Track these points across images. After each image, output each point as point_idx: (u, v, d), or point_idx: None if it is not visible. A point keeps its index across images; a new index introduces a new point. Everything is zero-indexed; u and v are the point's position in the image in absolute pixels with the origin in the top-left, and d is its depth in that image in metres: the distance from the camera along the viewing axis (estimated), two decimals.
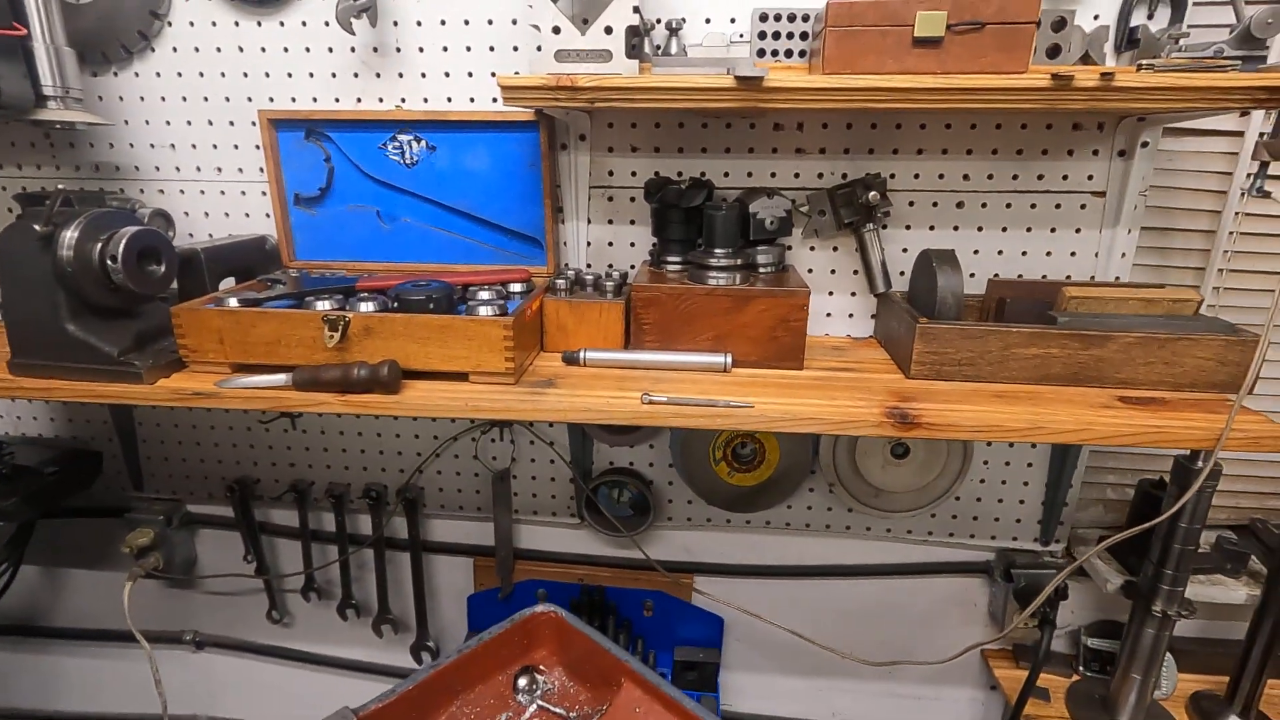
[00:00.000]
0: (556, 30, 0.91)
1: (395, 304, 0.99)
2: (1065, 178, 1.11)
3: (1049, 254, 1.15)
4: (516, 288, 1.10)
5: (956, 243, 1.15)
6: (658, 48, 1.09)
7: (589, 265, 1.23)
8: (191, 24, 1.16)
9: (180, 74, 1.19)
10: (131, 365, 0.95)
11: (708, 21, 1.09)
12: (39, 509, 1.39)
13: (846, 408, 0.89)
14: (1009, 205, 1.13)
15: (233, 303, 0.98)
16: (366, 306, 0.98)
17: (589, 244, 1.22)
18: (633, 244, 1.22)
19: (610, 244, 1.22)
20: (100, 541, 1.54)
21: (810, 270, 1.20)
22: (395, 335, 0.94)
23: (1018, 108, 0.87)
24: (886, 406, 0.89)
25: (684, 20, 1.06)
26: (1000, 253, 1.16)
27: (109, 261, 0.94)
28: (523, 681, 0.92)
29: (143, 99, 1.21)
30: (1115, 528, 1.33)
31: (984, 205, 1.14)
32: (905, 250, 1.17)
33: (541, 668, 0.94)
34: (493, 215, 1.18)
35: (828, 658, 1.40)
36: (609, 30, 0.90)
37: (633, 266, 1.23)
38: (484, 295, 1.03)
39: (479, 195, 1.18)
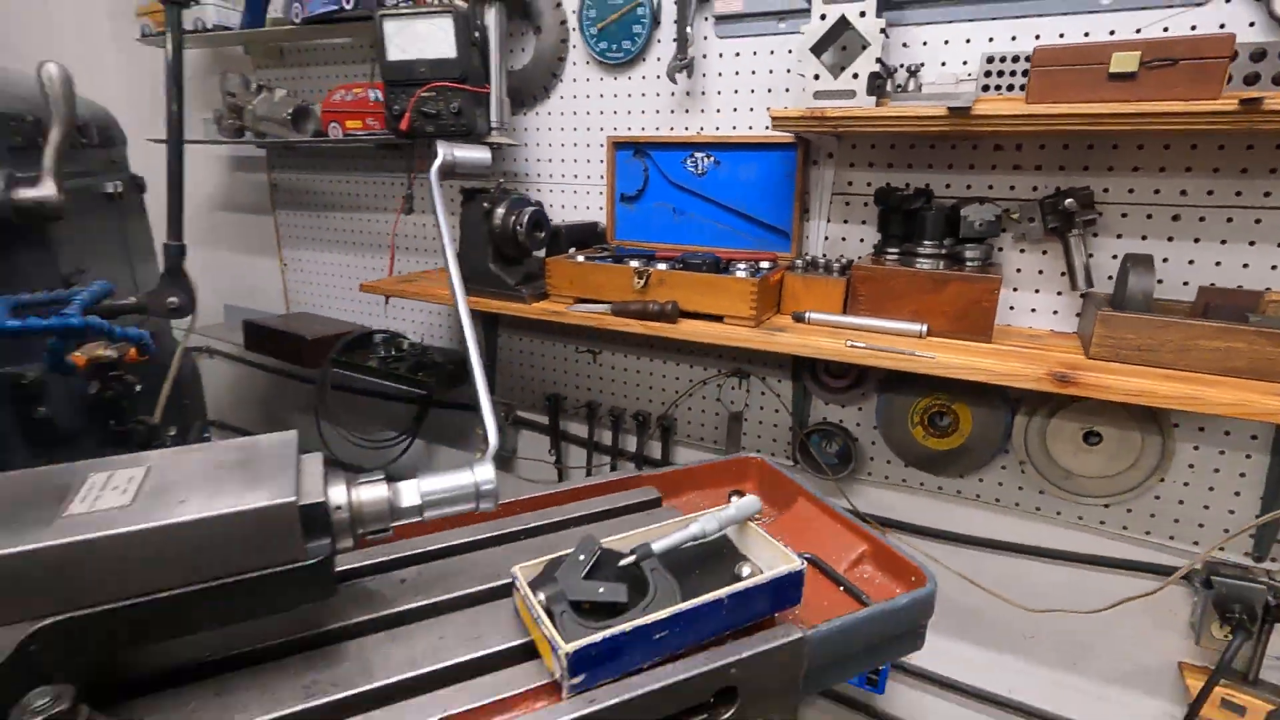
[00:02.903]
0: (816, 77, 1.28)
1: (680, 265, 1.43)
2: None
3: (1275, 268, 1.20)
4: (765, 265, 1.48)
5: (1170, 252, 1.26)
6: (899, 87, 1.40)
7: (824, 255, 1.56)
8: (574, 80, 1.75)
9: (563, 114, 1.79)
10: (520, 292, 1.54)
11: (943, 64, 1.37)
12: (432, 395, 2.12)
13: (1015, 367, 1.11)
14: (1230, 220, 1.22)
15: (579, 258, 1.51)
16: (661, 266, 1.44)
17: (826, 238, 1.56)
18: (861, 239, 1.53)
19: (844, 239, 1.54)
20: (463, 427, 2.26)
21: (1019, 270, 1.39)
22: (679, 285, 1.38)
23: (1208, 129, 1.02)
24: (1051, 370, 1.09)
25: (922, 64, 1.35)
26: (1218, 264, 1.24)
27: (518, 228, 1.53)
28: (733, 498, 1.26)
29: (538, 130, 1.84)
30: None
31: (1201, 219, 1.23)
32: (1115, 257, 1.31)
33: (744, 490, 1.28)
34: (755, 213, 1.59)
35: (1011, 636, 1.52)
36: (855, 75, 1.24)
37: (860, 256, 1.53)
38: (741, 267, 1.44)
39: (747, 198, 1.59)
